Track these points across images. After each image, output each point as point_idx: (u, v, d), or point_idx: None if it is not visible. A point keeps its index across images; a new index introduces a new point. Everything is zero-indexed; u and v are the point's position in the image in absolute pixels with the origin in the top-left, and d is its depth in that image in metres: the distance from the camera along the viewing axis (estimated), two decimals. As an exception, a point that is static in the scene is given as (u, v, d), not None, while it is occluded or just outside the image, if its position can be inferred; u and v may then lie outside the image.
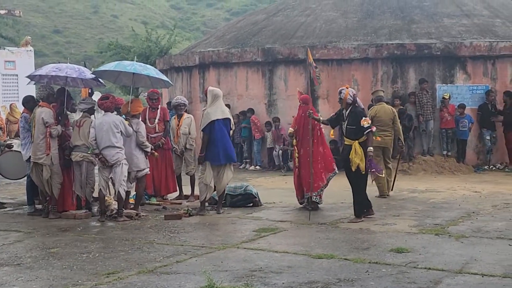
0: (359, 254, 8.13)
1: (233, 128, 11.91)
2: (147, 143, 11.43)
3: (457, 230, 9.55)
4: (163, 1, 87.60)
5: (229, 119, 11.44)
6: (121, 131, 10.76)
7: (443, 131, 17.43)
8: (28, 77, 12.22)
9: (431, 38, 17.97)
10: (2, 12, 21.75)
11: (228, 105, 15.89)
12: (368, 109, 14.23)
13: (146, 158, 11.47)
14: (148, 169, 11.57)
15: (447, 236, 9.20)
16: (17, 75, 25.09)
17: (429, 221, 10.35)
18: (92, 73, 11.90)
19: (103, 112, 11.12)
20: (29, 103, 11.67)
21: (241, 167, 18.78)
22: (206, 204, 11.60)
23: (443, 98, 17.26)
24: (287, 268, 7.46)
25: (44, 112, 11.01)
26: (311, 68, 11.45)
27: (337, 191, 12.89)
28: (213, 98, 11.40)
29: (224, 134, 11.30)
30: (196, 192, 12.41)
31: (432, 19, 18.93)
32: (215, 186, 11.49)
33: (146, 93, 13.10)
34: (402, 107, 17.10)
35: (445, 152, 17.45)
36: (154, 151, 11.69)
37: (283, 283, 6.82)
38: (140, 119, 11.79)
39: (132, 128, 11.10)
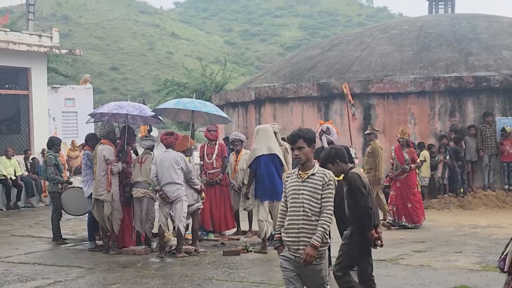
0: (421, 291, 7.99)
1: (285, 164, 11.55)
2: (196, 180, 11.41)
3: (523, 267, 9.29)
4: (217, 37, 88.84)
5: (276, 155, 11.26)
6: (181, 167, 10.86)
7: (504, 164, 17.09)
8: (90, 115, 12.51)
9: (489, 70, 17.73)
10: (64, 51, 22.32)
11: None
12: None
13: (197, 194, 11.45)
14: (200, 203, 11.55)
15: (512, 274, 8.95)
16: (76, 112, 25.62)
17: (492, 258, 10.08)
18: (152, 111, 12.10)
19: (161, 147, 11.25)
20: (92, 140, 11.92)
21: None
22: (265, 239, 11.54)
23: (505, 131, 16.93)
24: (349, 306, 7.35)
25: (105, 150, 11.23)
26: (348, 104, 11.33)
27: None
28: (256, 134, 11.41)
29: (270, 170, 11.17)
30: (254, 227, 12.41)
31: (490, 51, 18.69)
32: (275, 221, 11.44)
33: (206, 128, 13.24)
34: (455, 144, 16.95)
35: (506, 186, 17.08)
36: (202, 192, 11.62)
37: (345, 322, 6.73)
38: (199, 155, 11.88)
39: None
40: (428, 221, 13.97)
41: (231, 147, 13.25)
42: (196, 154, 14.60)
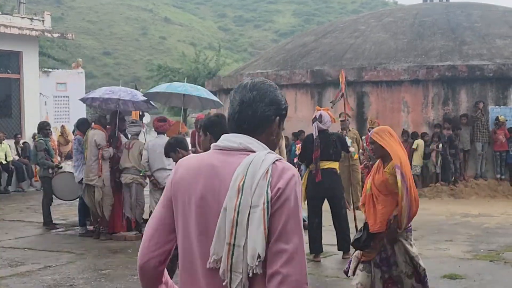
0: (412, 280, 7.97)
1: (278, 150, 11.58)
2: None
3: (513, 257, 9.32)
4: (211, 23, 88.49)
5: None
6: (173, 153, 10.80)
7: (497, 154, 17.10)
8: (81, 100, 12.43)
9: (483, 59, 17.71)
10: (55, 35, 22.15)
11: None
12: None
13: None
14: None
15: (503, 263, 8.98)
16: (68, 96, 25.48)
17: (483, 247, 10.13)
18: (144, 95, 12.02)
19: (150, 133, 11.20)
20: (83, 125, 11.84)
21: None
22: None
23: (499, 120, 16.92)
24: (339, 294, 7.35)
25: (96, 135, 11.16)
26: (339, 91, 11.15)
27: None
28: None
29: None
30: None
31: (484, 40, 18.67)
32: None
33: (195, 122, 13.18)
34: (452, 132, 16.88)
35: (498, 176, 17.10)
36: None
37: (335, 310, 6.72)
38: (191, 142, 11.83)
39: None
40: (420, 210, 13.88)
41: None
42: (188, 140, 14.55)
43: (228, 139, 2.64)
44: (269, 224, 2.41)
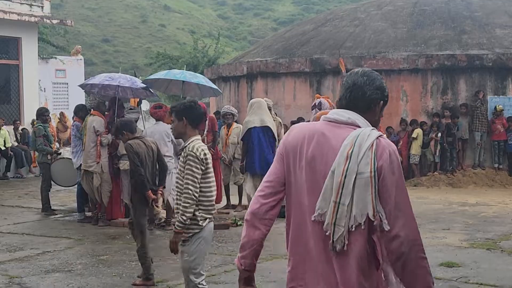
0: (409, 268, 8.00)
1: (277, 138, 11.58)
2: None
3: (510, 245, 9.37)
4: (210, 11, 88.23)
5: (268, 127, 11.25)
6: (172, 140, 10.82)
7: (495, 143, 17.11)
8: (80, 86, 12.42)
9: (482, 48, 17.69)
10: (55, 22, 22.10)
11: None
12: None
13: None
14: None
15: (499, 251, 9.02)
16: (67, 83, 25.42)
17: (480, 235, 10.17)
18: (142, 82, 12.01)
19: (149, 120, 11.20)
20: (81, 111, 11.83)
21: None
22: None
23: (496, 110, 16.94)
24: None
25: (95, 121, 11.16)
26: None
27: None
28: (250, 107, 11.38)
29: (261, 142, 11.15)
30: (244, 201, 12.40)
31: (484, 29, 18.64)
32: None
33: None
34: (450, 121, 16.89)
35: (496, 165, 17.12)
36: None
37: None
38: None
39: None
40: (418, 198, 14.00)
41: (223, 120, 13.20)
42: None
43: (338, 113, 3.06)
44: (380, 193, 2.87)
